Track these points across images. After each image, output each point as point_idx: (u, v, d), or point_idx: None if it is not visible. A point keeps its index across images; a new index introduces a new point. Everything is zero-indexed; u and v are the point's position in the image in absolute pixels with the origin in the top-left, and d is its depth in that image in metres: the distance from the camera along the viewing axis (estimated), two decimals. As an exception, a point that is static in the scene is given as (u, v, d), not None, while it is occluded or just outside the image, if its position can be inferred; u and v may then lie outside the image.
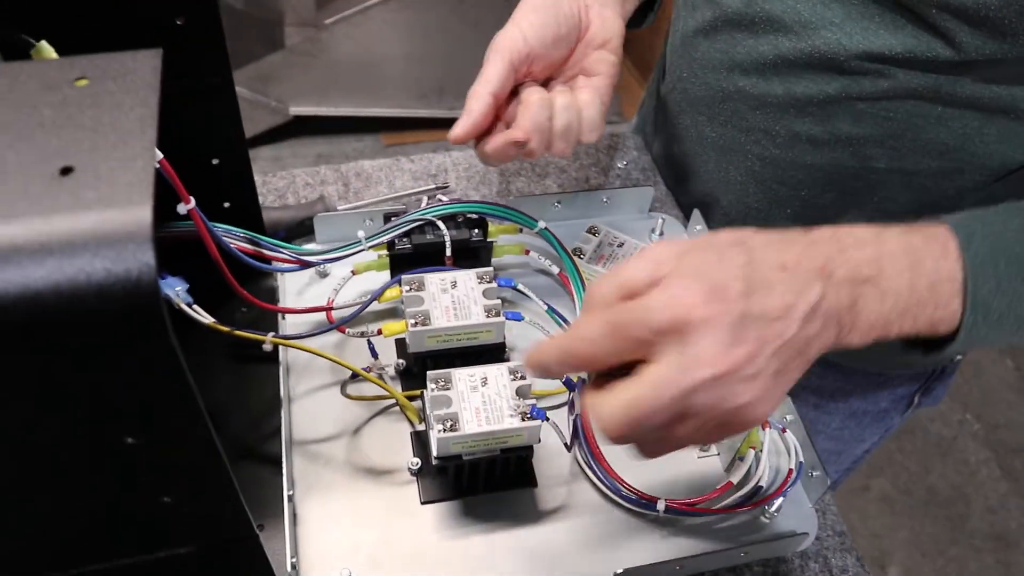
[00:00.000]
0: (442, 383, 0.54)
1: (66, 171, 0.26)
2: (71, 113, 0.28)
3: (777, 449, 0.62)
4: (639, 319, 0.41)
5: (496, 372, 0.54)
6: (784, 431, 0.61)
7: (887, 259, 0.46)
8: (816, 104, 0.64)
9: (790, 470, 0.59)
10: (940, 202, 0.66)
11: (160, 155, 0.47)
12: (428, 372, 0.54)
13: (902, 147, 0.63)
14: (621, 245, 0.71)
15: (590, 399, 0.43)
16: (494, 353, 0.61)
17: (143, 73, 0.29)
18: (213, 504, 0.35)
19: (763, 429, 0.59)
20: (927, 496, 1.87)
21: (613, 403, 0.42)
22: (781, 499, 0.58)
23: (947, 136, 0.61)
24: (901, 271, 0.46)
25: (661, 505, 0.56)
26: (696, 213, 0.74)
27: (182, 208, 0.51)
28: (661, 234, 0.75)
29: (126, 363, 0.26)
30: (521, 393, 0.54)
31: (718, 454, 0.62)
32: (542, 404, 0.57)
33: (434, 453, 0.53)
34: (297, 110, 2.18)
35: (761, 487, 0.59)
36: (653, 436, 0.44)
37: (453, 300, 0.59)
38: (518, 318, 0.60)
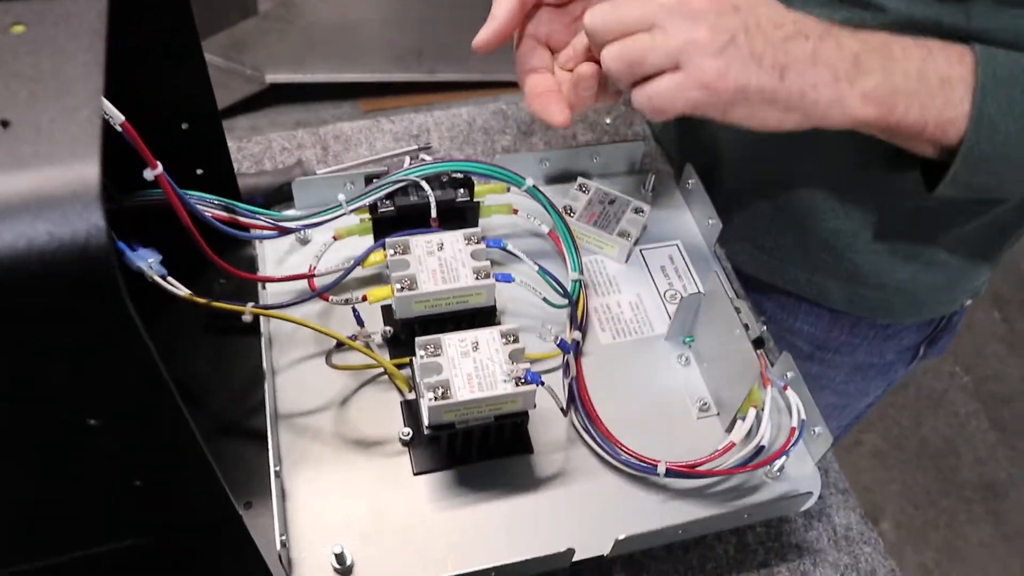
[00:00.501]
0: (431, 349, 0.52)
1: (2, 125, 0.24)
2: (6, 62, 0.25)
3: (778, 407, 0.60)
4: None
5: (488, 336, 0.52)
6: (786, 388, 0.59)
7: (898, 43, 0.50)
8: None
9: (792, 429, 0.57)
10: None
11: (122, 117, 0.44)
12: (417, 338, 0.52)
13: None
14: (612, 202, 0.69)
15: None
16: (485, 317, 0.58)
17: (87, 17, 0.26)
18: (189, 486, 0.32)
19: (764, 387, 0.57)
20: (918, 449, 1.88)
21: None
22: (784, 458, 0.57)
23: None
24: (911, 55, 0.49)
25: (662, 468, 0.54)
26: (688, 167, 0.72)
27: (149, 174, 0.48)
28: (653, 190, 0.73)
29: (80, 337, 0.24)
30: (514, 357, 0.51)
31: (718, 414, 0.60)
32: (536, 368, 0.55)
33: (425, 422, 0.51)
34: (273, 77, 2.12)
35: (763, 447, 0.57)
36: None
37: (440, 263, 0.56)
38: (508, 280, 0.58)
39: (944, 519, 1.75)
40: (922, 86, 0.49)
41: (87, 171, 0.22)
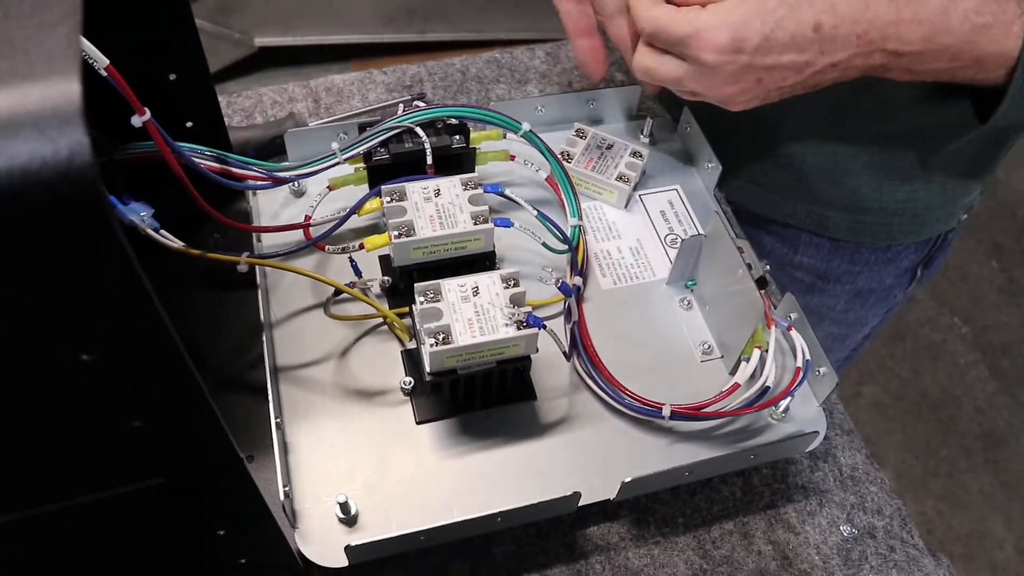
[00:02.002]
0: (431, 295, 0.51)
1: (-24, 43, 0.22)
2: (-22, -22, 0.24)
3: (782, 349, 0.59)
4: (676, 38, 0.52)
5: (488, 281, 0.51)
6: (790, 329, 0.58)
7: (941, 36, 0.50)
8: None
9: (797, 369, 0.56)
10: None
11: (106, 61, 0.43)
12: (416, 284, 0.51)
13: None
14: (610, 147, 0.67)
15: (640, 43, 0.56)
16: (484, 263, 0.58)
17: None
18: (188, 427, 0.32)
19: (768, 328, 0.57)
20: (918, 399, 1.88)
21: (643, 59, 0.56)
22: (789, 399, 0.56)
23: None
24: (948, 47, 0.50)
25: (666, 411, 0.54)
26: (686, 112, 0.70)
27: (137, 120, 0.47)
28: (651, 135, 0.72)
29: (65, 263, 0.23)
30: (515, 301, 0.51)
31: (721, 357, 0.60)
32: (537, 314, 0.54)
33: (427, 369, 0.50)
34: (262, 41, 2.09)
35: (768, 387, 0.56)
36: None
37: (437, 209, 0.55)
38: (507, 224, 0.57)
39: (944, 468, 1.76)
40: (952, 66, 0.52)
41: (67, 86, 0.21)
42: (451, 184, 0.57)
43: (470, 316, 0.50)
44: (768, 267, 0.57)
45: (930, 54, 0.51)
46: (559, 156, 0.64)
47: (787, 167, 0.74)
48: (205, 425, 0.32)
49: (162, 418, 0.31)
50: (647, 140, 0.71)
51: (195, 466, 0.34)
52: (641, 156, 0.67)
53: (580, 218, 0.63)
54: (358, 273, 0.58)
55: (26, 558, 0.38)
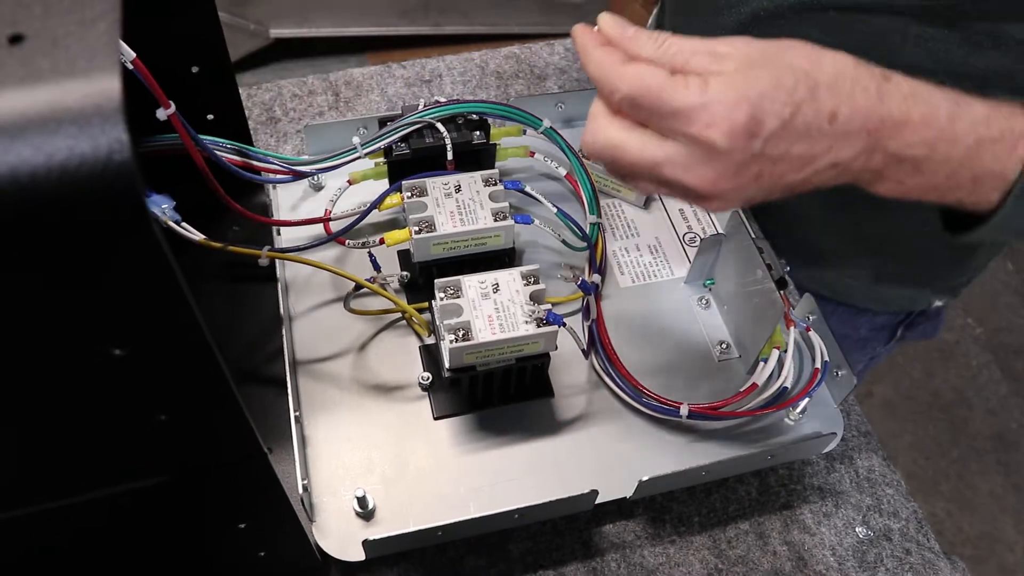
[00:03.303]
0: (451, 291, 0.51)
1: (15, 40, 0.23)
2: (18, -26, 0.24)
3: (800, 349, 0.59)
4: (672, 108, 0.39)
5: (508, 277, 0.51)
6: (808, 330, 0.58)
7: (945, 145, 0.43)
8: (787, 7, 0.59)
9: (816, 370, 0.56)
10: None
11: (133, 54, 0.43)
12: (436, 280, 0.51)
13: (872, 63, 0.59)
14: (630, 145, 0.67)
15: (597, 113, 0.43)
16: (503, 259, 0.58)
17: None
18: (214, 420, 0.32)
19: (788, 328, 0.56)
20: (929, 400, 1.87)
21: (609, 131, 0.42)
22: (807, 400, 0.56)
23: (923, 59, 0.57)
24: (949, 159, 0.43)
25: (684, 410, 0.54)
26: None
27: (162, 113, 0.47)
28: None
29: (101, 259, 0.23)
30: (535, 298, 0.51)
31: (739, 356, 0.60)
32: (556, 310, 0.54)
33: (446, 365, 0.50)
34: (278, 32, 2.09)
35: (786, 388, 0.56)
36: (624, 172, 0.44)
37: (458, 204, 0.55)
38: (527, 221, 0.57)
39: (955, 469, 1.76)
40: (946, 185, 0.44)
41: (108, 84, 0.21)
42: (471, 180, 0.57)
43: (490, 313, 0.50)
44: (788, 268, 0.57)
45: (929, 164, 0.43)
46: (579, 153, 0.64)
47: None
48: (231, 418, 0.32)
49: (189, 411, 0.31)
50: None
51: (220, 459, 0.34)
52: (660, 154, 0.67)
53: (599, 215, 0.63)
54: (377, 268, 0.59)
55: (49, 549, 0.38)
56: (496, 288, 0.51)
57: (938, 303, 0.77)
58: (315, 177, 0.64)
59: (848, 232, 0.69)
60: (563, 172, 0.65)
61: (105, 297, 0.24)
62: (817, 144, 0.41)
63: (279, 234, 0.61)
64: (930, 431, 1.81)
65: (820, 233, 0.70)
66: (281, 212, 0.64)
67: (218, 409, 0.31)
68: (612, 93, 0.41)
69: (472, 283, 0.51)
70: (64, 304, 0.24)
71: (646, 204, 0.67)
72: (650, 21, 0.88)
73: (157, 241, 0.23)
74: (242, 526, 0.40)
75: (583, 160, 0.64)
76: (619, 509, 0.55)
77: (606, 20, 0.44)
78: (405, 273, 0.59)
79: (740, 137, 0.39)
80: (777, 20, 0.61)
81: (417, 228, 0.54)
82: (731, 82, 0.39)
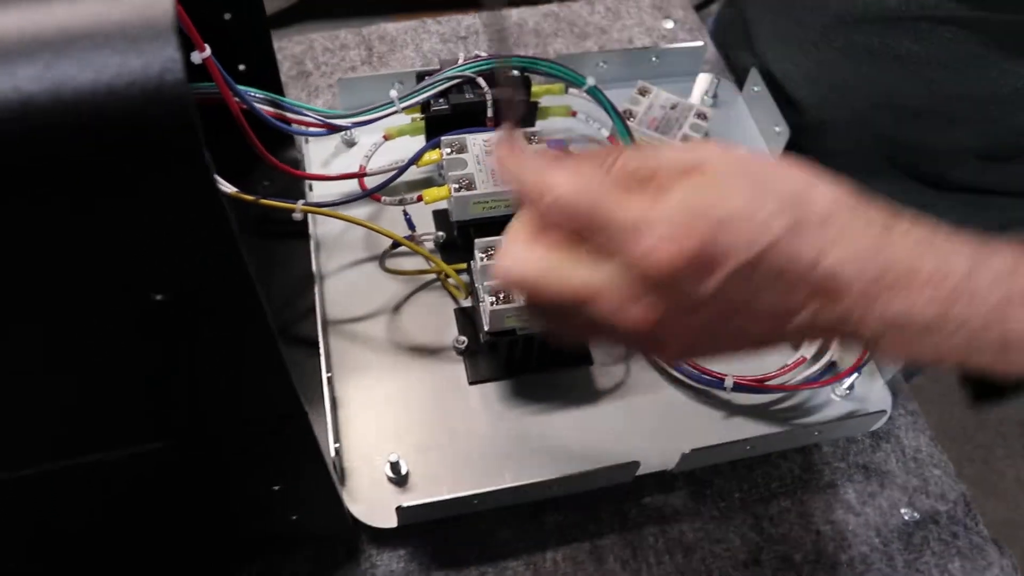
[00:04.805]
0: (492, 252, 0.49)
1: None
2: None
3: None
4: (609, 222, 0.31)
5: (551, 240, 0.49)
6: (859, 303, 0.56)
7: (962, 305, 0.32)
8: (875, 15, 0.57)
9: (866, 344, 0.54)
10: (1009, 138, 0.60)
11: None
12: (476, 240, 0.49)
13: (970, 73, 0.56)
14: (674, 107, 0.65)
15: (516, 235, 0.33)
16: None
17: None
18: (255, 375, 0.30)
19: (839, 301, 0.54)
20: (954, 383, 1.85)
21: (528, 255, 0.33)
22: (855, 376, 0.54)
23: (1010, 81, 0.55)
24: (968, 321, 0.32)
25: (729, 382, 0.52)
26: (754, 72, 0.68)
27: (196, 57, 0.45)
28: (715, 96, 0.69)
29: (149, 189, 0.21)
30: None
31: (785, 329, 0.57)
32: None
33: (485, 328, 0.49)
34: (303, -10, 2.06)
35: (834, 363, 0.54)
36: (547, 313, 0.36)
37: (499, 163, 0.53)
38: (571, 182, 0.54)
39: (980, 454, 1.73)
40: (966, 347, 0.33)
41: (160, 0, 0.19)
42: (514, 138, 0.54)
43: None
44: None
45: (944, 327, 0.32)
46: (623, 113, 0.61)
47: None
48: (273, 374, 0.30)
49: (230, 365, 0.29)
50: (712, 101, 0.69)
51: (259, 417, 0.33)
52: (706, 117, 0.64)
53: (642, 179, 0.60)
54: (412, 227, 0.57)
55: (80, 507, 0.37)
56: (539, 250, 0.49)
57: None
58: (348, 132, 0.62)
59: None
60: (605, 133, 0.62)
61: (149, 233, 0.22)
62: (793, 295, 0.31)
63: (311, 190, 0.59)
64: (955, 414, 1.79)
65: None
66: (313, 168, 0.62)
67: (260, 364, 0.29)
68: (540, 198, 0.32)
69: (513, 244, 0.49)
70: (103, 240, 0.22)
71: (690, 169, 0.65)
72: (710, 20, 0.85)
73: (208, 172, 0.21)
74: (276, 488, 0.39)
75: (627, 121, 0.61)
76: (658, 482, 0.54)
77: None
78: (441, 233, 0.57)
79: (688, 270, 0.30)
80: (864, 25, 0.59)
81: (457, 186, 0.52)
82: (690, 197, 0.30)
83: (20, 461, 0.31)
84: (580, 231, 0.32)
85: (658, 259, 0.30)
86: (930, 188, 0.66)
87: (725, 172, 0.31)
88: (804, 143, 0.70)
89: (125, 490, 0.37)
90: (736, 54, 0.74)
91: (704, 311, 0.31)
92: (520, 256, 0.33)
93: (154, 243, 0.23)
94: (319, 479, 0.40)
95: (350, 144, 0.63)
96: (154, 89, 0.19)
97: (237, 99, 0.49)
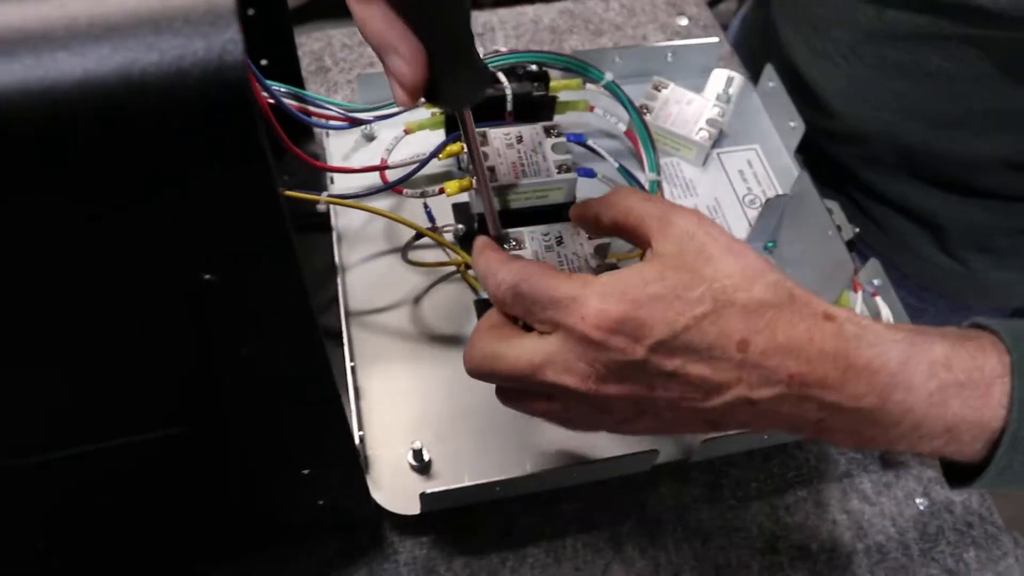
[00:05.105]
0: (513, 244, 0.50)
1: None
2: None
3: (864, 314, 0.58)
4: (550, 297, 0.37)
5: (572, 230, 0.50)
6: (875, 295, 0.56)
7: (900, 393, 0.35)
8: (906, 33, 0.58)
9: (882, 336, 0.55)
10: None
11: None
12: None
13: (999, 88, 0.57)
14: (690, 103, 0.65)
15: (478, 329, 0.41)
16: (562, 214, 0.56)
17: None
18: (295, 357, 0.31)
19: (855, 292, 0.55)
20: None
21: (486, 340, 0.39)
22: (871, 367, 0.55)
23: None
24: (910, 410, 0.36)
25: (747, 373, 0.52)
26: (769, 68, 0.68)
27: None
28: (730, 92, 0.69)
29: (207, 167, 0.22)
30: (600, 252, 0.49)
31: (801, 321, 0.58)
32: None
33: (507, 318, 0.49)
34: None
35: (850, 354, 0.55)
36: (512, 391, 0.42)
37: (520, 156, 0.54)
38: (591, 174, 0.55)
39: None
40: (914, 435, 0.37)
41: (221, -20, 0.20)
42: (534, 131, 0.55)
43: (554, 265, 0.49)
44: (858, 230, 0.55)
45: (886, 415, 0.36)
46: (639, 108, 0.62)
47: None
48: (312, 356, 0.31)
49: (272, 346, 0.30)
50: (727, 97, 0.69)
51: (295, 399, 0.33)
52: (722, 113, 0.65)
53: (659, 173, 0.61)
54: (432, 220, 0.57)
55: (116, 487, 0.38)
56: (560, 241, 0.50)
57: None
58: (367, 127, 0.63)
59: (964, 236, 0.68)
60: (622, 128, 0.63)
61: (205, 210, 0.23)
62: (722, 370, 0.35)
63: (332, 183, 0.60)
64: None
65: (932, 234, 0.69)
66: (333, 162, 0.63)
67: (301, 345, 0.30)
68: (497, 287, 0.39)
69: (535, 235, 0.50)
70: (162, 216, 0.23)
71: (705, 162, 0.66)
72: (735, 22, 0.86)
73: (264, 152, 0.21)
74: (306, 472, 0.40)
75: (643, 116, 0.62)
76: (675, 472, 0.54)
77: None
78: (460, 226, 0.58)
79: (616, 334, 0.35)
80: (895, 42, 0.59)
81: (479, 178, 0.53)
82: (621, 277, 0.36)
83: (66, 440, 0.32)
84: (528, 312, 0.38)
85: (593, 323, 0.35)
86: (955, 194, 0.66)
87: (666, 264, 0.36)
88: (834, 150, 0.70)
89: (160, 474, 0.38)
90: (760, 57, 0.75)
91: (641, 376, 0.36)
92: (480, 340, 0.40)
93: (209, 220, 0.23)
94: (349, 463, 0.41)
95: (369, 139, 0.64)
96: (215, 69, 0.20)
97: (264, 93, 0.49)
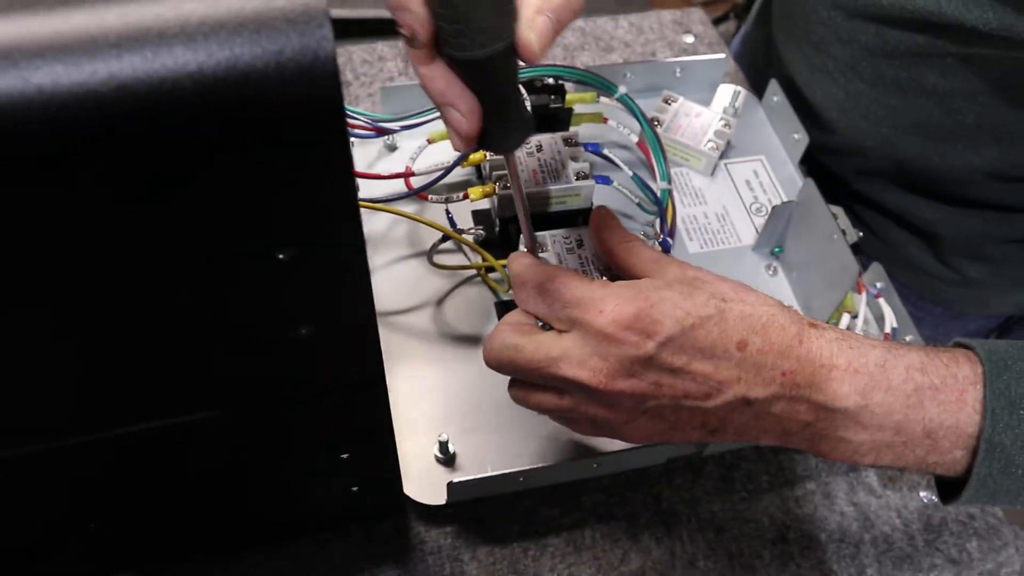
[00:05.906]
0: (540, 248, 0.52)
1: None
2: None
3: (867, 317, 0.60)
4: (571, 296, 0.41)
5: (590, 234, 0.53)
6: (878, 297, 0.59)
7: (880, 393, 0.39)
8: (903, 51, 0.61)
9: (885, 335, 0.57)
10: None
11: None
12: (522, 235, 0.52)
13: (992, 104, 0.60)
14: (699, 115, 0.68)
15: (500, 325, 0.44)
16: (577, 220, 0.59)
17: None
18: (352, 337, 0.33)
19: (859, 293, 0.57)
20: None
21: (508, 334, 0.43)
22: (875, 365, 0.57)
23: None
24: (890, 411, 0.39)
25: (757, 370, 0.55)
26: (773, 83, 0.71)
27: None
28: (736, 106, 0.72)
29: (297, 153, 0.24)
30: (619, 253, 0.52)
31: (808, 323, 0.60)
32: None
33: (531, 316, 0.52)
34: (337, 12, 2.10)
35: (855, 353, 0.57)
36: (524, 385, 0.45)
37: (540, 163, 0.57)
38: (607, 182, 0.58)
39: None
40: (898, 439, 0.40)
41: (314, -16, 0.23)
42: (552, 140, 0.58)
43: (575, 267, 0.51)
44: (861, 234, 0.58)
45: (869, 416, 0.39)
46: (651, 120, 0.65)
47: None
48: (367, 337, 0.33)
49: (332, 326, 0.32)
50: (733, 110, 0.72)
51: (348, 381, 0.36)
52: (729, 125, 0.68)
53: (669, 182, 0.64)
54: (454, 225, 0.60)
55: (164, 466, 0.40)
56: (580, 243, 0.52)
57: None
58: (390, 138, 0.66)
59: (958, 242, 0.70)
60: (634, 139, 0.66)
61: (291, 192, 0.25)
62: (723, 368, 0.39)
63: (357, 190, 0.63)
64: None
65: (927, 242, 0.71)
66: (357, 171, 0.65)
67: (358, 325, 0.32)
68: (523, 284, 0.44)
69: (557, 238, 0.53)
70: (251, 196, 0.25)
71: (713, 172, 0.68)
72: (736, 40, 0.89)
73: (346, 141, 0.24)
74: (345, 456, 0.42)
75: (655, 127, 0.65)
76: (689, 466, 0.57)
77: None
78: (481, 232, 0.61)
79: (630, 329, 0.39)
80: (892, 60, 0.62)
81: (502, 184, 0.55)
82: (635, 283, 0.41)
83: (123, 418, 0.34)
84: (550, 310, 0.42)
85: (610, 318, 0.39)
86: (949, 205, 0.69)
87: (671, 280, 0.42)
88: (832, 162, 0.73)
89: (208, 455, 0.40)
90: (762, 73, 0.78)
91: (649, 372, 0.39)
92: (501, 334, 0.43)
93: (294, 200, 0.26)
94: (387, 448, 0.43)
95: (392, 149, 0.67)
96: (309, 64, 0.22)
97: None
